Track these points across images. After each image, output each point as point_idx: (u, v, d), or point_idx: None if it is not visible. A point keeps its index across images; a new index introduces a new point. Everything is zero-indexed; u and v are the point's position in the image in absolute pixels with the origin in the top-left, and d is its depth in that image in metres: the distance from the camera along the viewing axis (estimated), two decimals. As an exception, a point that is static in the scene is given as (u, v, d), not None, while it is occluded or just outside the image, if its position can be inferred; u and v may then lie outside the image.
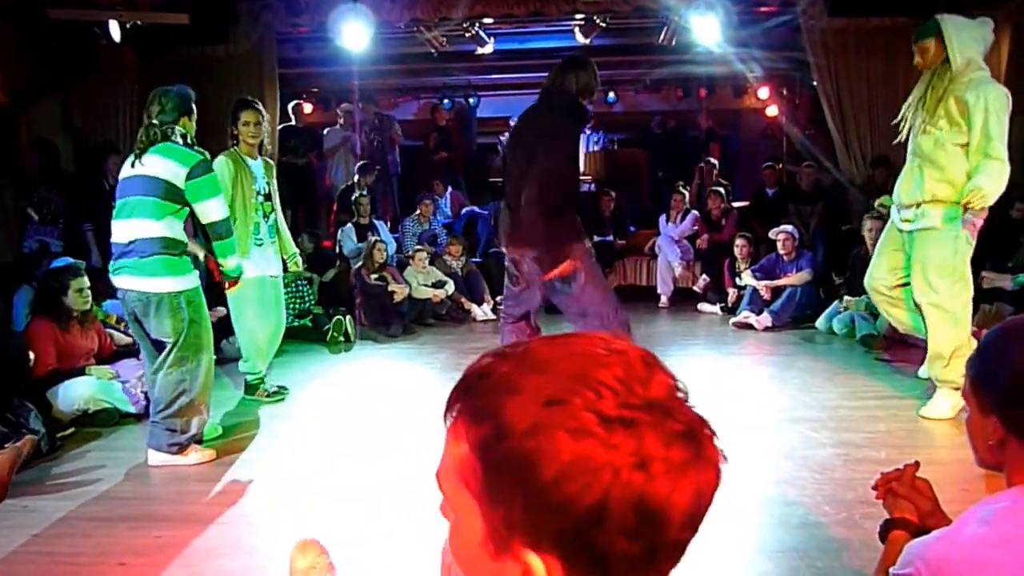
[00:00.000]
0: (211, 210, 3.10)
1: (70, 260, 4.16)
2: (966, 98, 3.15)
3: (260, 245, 3.89)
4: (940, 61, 3.26)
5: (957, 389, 3.24)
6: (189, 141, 3.07)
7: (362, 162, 7.90)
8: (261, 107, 3.94)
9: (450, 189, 8.46)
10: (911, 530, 1.36)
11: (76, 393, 3.58)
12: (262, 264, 3.88)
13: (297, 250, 4.31)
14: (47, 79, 5.83)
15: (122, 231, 3.02)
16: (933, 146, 3.26)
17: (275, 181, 4.09)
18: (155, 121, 3.01)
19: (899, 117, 3.51)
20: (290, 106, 8.54)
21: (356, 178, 7.67)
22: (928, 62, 3.31)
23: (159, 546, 2.36)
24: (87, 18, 5.64)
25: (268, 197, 3.99)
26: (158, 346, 3.07)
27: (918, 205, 3.34)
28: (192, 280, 3.08)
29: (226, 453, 3.22)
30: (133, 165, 3.01)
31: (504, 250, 3.39)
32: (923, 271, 3.34)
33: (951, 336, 3.32)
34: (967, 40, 3.21)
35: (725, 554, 2.24)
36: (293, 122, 8.44)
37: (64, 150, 5.92)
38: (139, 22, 5.78)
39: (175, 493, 2.84)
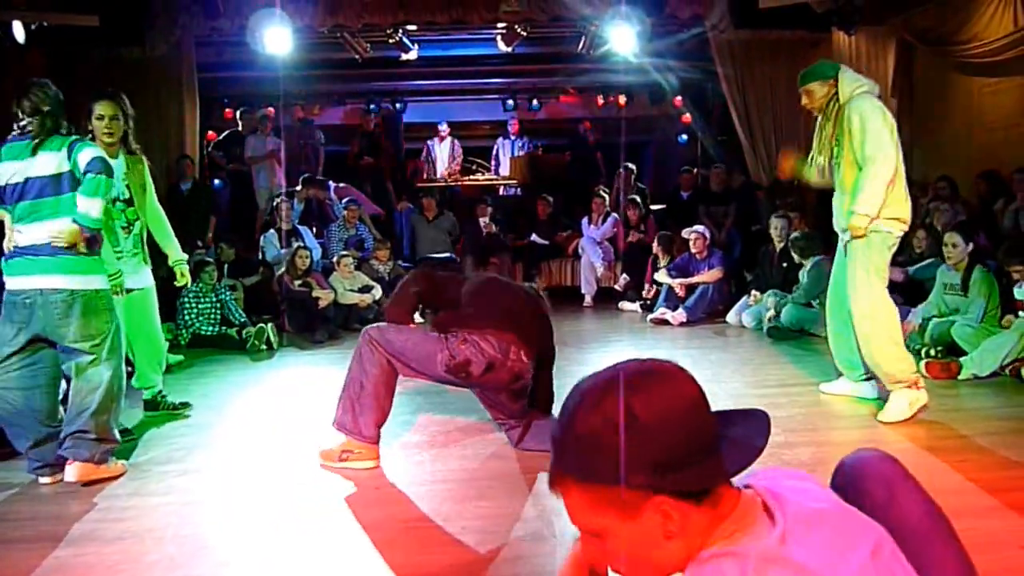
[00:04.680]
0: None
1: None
2: (847, 116, 3.33)
3: (120, 258, 3.48)
4: (828, 101, 3.42)
5: (909, 387, 3.34)
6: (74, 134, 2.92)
7: (305, 175, 7.79)
8: (123, 98, 3.45)
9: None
10: None
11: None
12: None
13: (184, 256, 3.86)
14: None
15: (36, 232, 2.84)
16: (844, 175, 3.41)
17: (149, 179, 3.65)
18: (47, 109, 2.81)
19: (809, 158, 3.61)
20: (238, 112, 8.38)
21: (298, 189, 7.58)
22: (816, 103, 3.47)
23: (57, 567, 2.22)
24: (-14, 18, 5.40)
25: (129, 202, 3.54)
26: (67, 357, 2.85)
27: (844, 230, 3.48)
28: (106, 282, 2.99)
29: (132, 466, 3.05)
30: (33, 152, 2.80)
31: None
32: (851, 273, 3.45)
33: (880, 340, 3.38)
34: (851, 78, 3.42)
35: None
36: (240, 128, 8.27)
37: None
38: (45, 23, 5.57)
39: (76, 511, 2.65)
